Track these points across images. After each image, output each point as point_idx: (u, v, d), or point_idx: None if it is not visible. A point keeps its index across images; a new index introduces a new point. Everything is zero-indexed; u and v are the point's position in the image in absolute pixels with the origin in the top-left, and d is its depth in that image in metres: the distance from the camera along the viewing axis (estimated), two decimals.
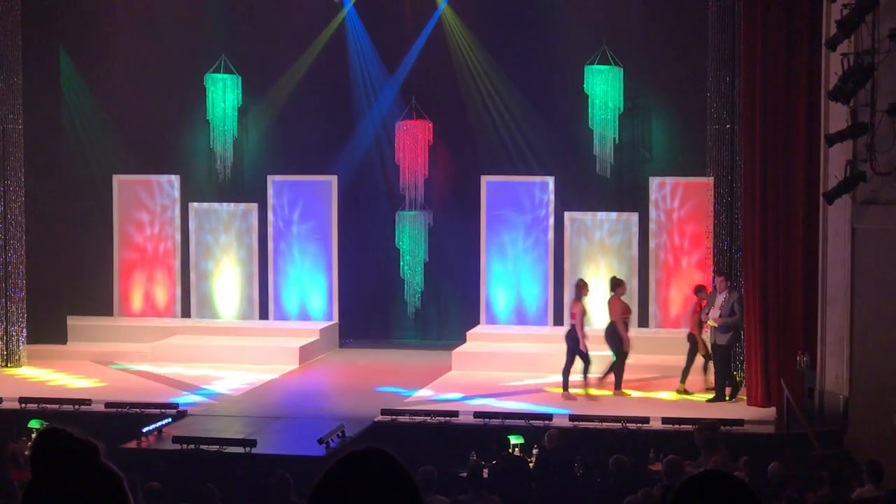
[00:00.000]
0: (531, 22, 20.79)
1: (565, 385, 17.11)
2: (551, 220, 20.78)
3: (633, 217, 20.46)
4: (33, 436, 14.42)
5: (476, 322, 20.82)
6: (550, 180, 20.83)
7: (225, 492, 11.21)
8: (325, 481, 2.89)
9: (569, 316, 17.83)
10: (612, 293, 17.52)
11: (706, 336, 17.14)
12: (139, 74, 21.51)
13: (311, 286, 21.52)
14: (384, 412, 15.70)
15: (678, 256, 20.16)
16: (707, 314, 16.84)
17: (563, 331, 20.52)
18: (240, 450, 14.08)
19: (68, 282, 20.97)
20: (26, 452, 13.45)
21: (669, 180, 20.26)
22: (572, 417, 15.24)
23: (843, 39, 13.77)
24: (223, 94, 21.23)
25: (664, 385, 17.65)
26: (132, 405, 16.04)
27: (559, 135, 20.87)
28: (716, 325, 16.61)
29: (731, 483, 3.07)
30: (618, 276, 18.23)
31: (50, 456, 3.13)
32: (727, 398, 16.73)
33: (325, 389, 18.47)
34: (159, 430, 15.02)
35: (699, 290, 17.63)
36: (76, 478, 3.11)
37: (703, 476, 3.11)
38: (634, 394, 17.32)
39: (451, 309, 21.61)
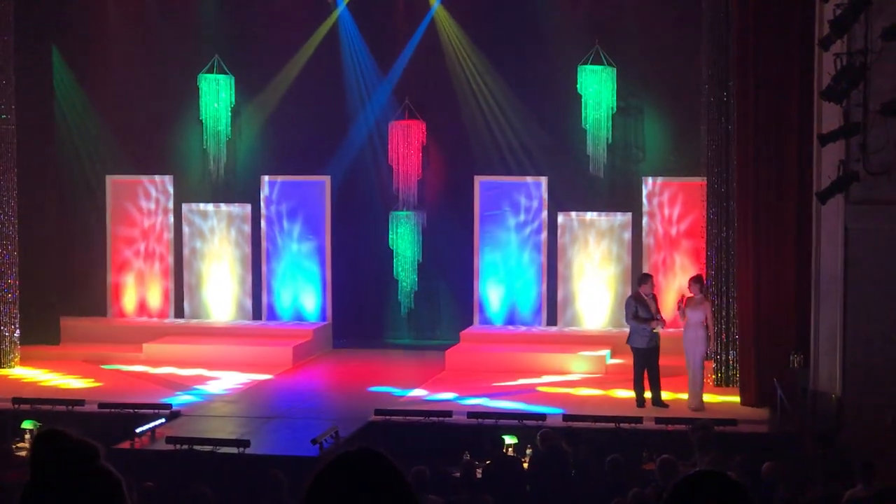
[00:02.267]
0: (524, 22, 20.77)
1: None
2: (545, 221, 20.77)
3: (627, 217, 20.45)
4: (27, 436, 14.41)
5: (469, 322, 20.79)
6: (544, 180, 20.81)
7: (218, 492, 11.20)
8: (318, 482, 2.89)
9: None
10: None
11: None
12: (132, 74, 21.49)
13: (305, 286, 21.49)
14: (378, 412, 15.70)
15: (671, 256, 20.14)
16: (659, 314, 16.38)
17: (555, 331, 20.59)
18: (233, 450, 14.06)
19: (61, 282, 20.94)
20: (19, 453, 13.45)
21: (663, 180, 20.24)
22: (566, 417, 15.25)
23: (835, 39, 13.76)
24: (216, 94, 21.21)
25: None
26: (125, 405, 16.02)
27: (552, 135, 20.87)
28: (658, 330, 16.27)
29: (726, 483, 3.08)
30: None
31: (49, 457, 3.12)
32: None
33: (318, 390, 18.45)
34: (153, 430, 14.99)
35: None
36: (75, 480, 3.10)
37: (699, 476, 3.12)
38: (621, 393, 17.22)
39: (444, 309, 21.59)
